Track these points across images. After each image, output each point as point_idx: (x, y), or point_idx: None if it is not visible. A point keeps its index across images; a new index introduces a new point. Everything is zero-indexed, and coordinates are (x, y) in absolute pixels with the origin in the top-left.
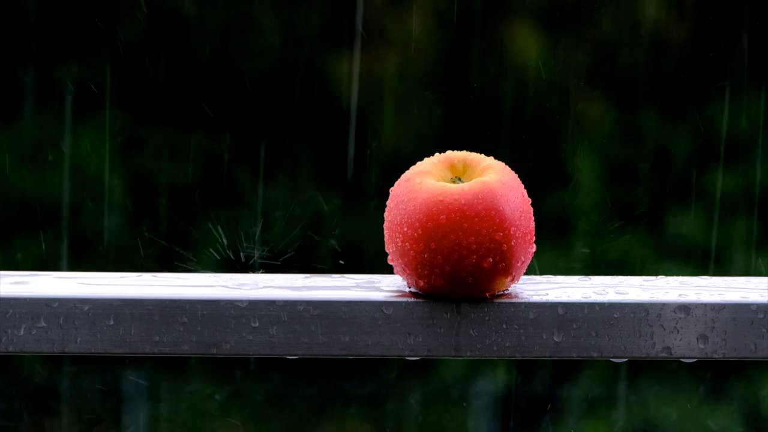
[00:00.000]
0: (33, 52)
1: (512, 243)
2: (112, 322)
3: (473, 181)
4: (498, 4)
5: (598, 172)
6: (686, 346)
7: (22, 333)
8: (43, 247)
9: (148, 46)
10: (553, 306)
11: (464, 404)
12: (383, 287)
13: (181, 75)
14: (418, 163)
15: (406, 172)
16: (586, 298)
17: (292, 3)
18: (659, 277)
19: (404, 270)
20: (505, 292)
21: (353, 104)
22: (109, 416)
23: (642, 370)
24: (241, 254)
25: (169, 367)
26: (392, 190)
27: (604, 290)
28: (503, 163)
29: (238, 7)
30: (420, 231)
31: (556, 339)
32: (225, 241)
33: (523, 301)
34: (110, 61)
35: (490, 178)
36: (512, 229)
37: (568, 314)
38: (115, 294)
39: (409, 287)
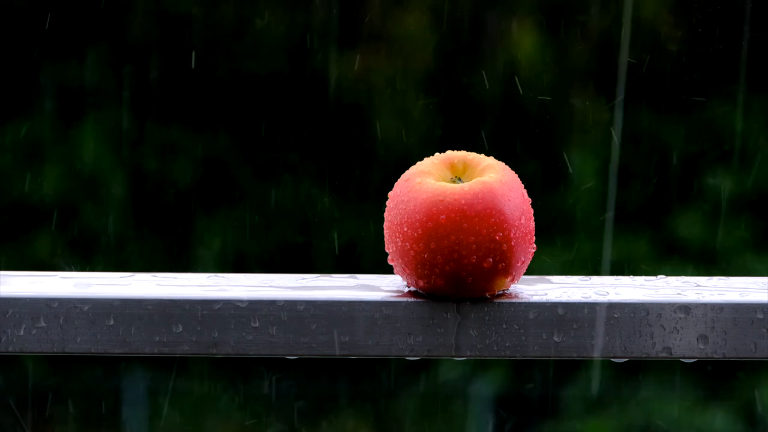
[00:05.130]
0: (33, 52)
1: (512, 243)
2: (112, 322)
3: (473, 181)
4: (497, 3)
5: (598, 171)
6: (686, 346)
7: (22, 333)
8: (43, 247)
9: (150, 45)
10: (553, 306)
11: (463, 404)
12: (383, 287)
13: (182, 74)
14: (418, 163)
15: (406, 172)
16: (586, 298)
17: (293, 3)
18: (659, 277)
19: (404, 270)
20: (505, 292)
21: (353, 104)
22: (108, 416)
23: (642, 370)
24: (241, 254)
25: (168, 367)
26: (392, 190)
27: (604, 290)
28: (503, 163)
29: (240, 7)
30: (420, 231)
31: (556, 339)
32: (225, 240)
33: (523, 301)
34: (112, 61)
35: (490, 178)
36: (512, 229)
37: (568, 314)
38: (115, 294)
39: (409, 287)
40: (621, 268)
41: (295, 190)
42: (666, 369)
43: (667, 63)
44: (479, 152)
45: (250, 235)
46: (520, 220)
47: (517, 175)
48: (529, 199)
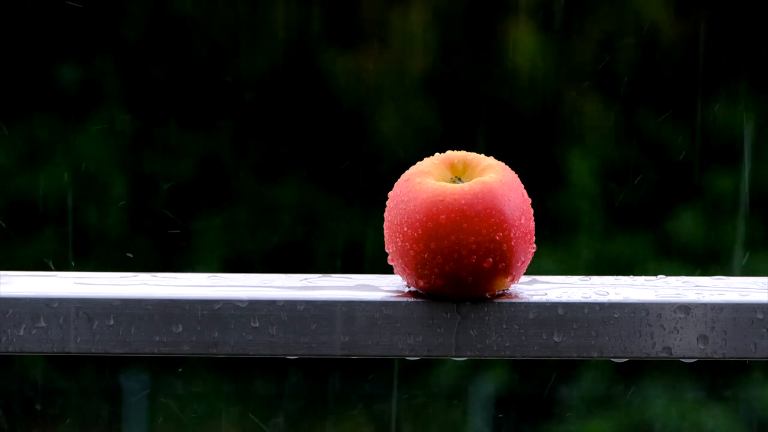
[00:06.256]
0: (33, 52)
1: (512, 243)
2: (112, 322)
3: (473, 181)
4: (498, 4)
5: (597, 171)
6: (686, 346)
7: (22, 333)
8: (44, 247)
9: (150, 45)
10: (553, 306)
11: (464, 404)
12: (383, 287)
13: (182, 74)
14: (418, 163)
15: (406, 172)
16: (586, 298)
17: (293, 2)
18: (659, 277)
19: (404, 270)
20: (505, 292)
21: (353, 104)
22: (109, 416)
23: (642, 370)
24: (241, 254)
25: (169, 367)
26: (392, 190)
27: (604, 290)
28: (503, 163)
29: (239, 6)
30: (420, 231)
31: (556, 339)
32: (225, 240)
33: (523, 301)
34: (112, 61)
35: (490, 178)
36: (512, 229)
37: (568, 314)
38: (115, 294)
39: (409, 287)
40: (621, 268)
41: (294, 190)
42: (666, 369)
43: (666, 62)
44: (479, 152)
45: (250, 235)
46: (520, 220)
47: (517, 175)
48: (529, 199)
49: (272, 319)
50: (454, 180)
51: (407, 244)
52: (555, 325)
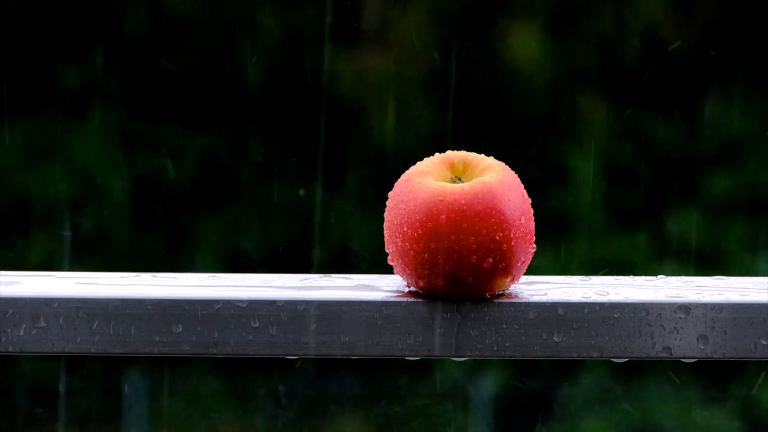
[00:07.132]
0: (34, 52)
1: (512, 243)
2: (112, 322)
3: (473, 181)
4: (498, 4)
5: (597, 171)
6: (686, 346)
7: (22, 333)
8: (44, 247)
9: (149, 45)
10: (553, 306)
11: (463, 404)
12: (383, 287)
13: (181, 74)
14: (418, 163)
15: (406, 172)
16: (586, 298)
17: (293, 2)
18: (659, 277)
19: (404, 270)
20: (505, 292)
21: (353, 104)
22: (108, 416)
23: (642, 370)
24: (241, 254)
25: (168, 367)
26: (392, 190)
27: (604, 290)
28: (503, 163)
29: (239, 5)
30: (420, 231)
31: (556, 339)
32: (225, 240)
33: (523, 301)
34: (110, 60)
35: (490, 178)
36: (512, 229)
37: (568, 314)
38: (114, 294)
39: (409, 287)
40: (621, 268)
41: (294, 190)
42: (666, 369)
43: (666, 63)
44: (479, 152)
45: (249, 235)
46: (520, 220)
47: (517, 175)
48: (529, 199)
49: (272, 319)
50: (454, 180)
51: (407, 244)
52: (555, 325)
